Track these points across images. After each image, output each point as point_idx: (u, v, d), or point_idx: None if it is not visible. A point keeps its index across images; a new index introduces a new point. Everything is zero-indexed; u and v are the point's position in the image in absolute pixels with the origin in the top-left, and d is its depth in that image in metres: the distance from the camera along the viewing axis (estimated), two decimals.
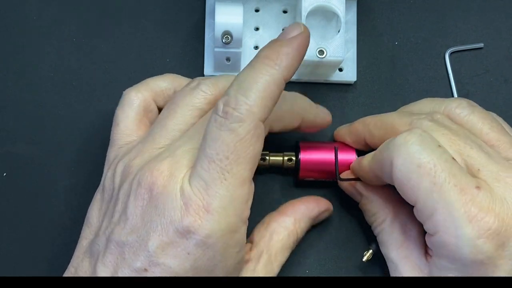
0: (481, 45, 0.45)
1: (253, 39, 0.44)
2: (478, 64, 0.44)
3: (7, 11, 0.44)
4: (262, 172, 0.42)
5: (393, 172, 0.33)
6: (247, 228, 0.33)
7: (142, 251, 0.31)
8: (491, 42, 0.45)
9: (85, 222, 0.35)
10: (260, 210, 0.39)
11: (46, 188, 0.41)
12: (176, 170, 0.32)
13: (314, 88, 0.44)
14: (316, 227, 0.41)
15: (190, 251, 0.31)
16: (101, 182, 0.36)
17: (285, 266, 0.38)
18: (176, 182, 0.31)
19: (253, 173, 0.32)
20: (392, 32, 0.45)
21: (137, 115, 0.37)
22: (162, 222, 0.31)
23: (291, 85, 0.43)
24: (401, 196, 0.34)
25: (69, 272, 0.34)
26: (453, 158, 0.33)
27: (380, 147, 0.35)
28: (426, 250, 0.36)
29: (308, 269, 0.41)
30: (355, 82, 0.44)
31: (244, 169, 0.31)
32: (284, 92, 0.37)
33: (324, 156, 0.40)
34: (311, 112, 0.38)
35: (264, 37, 0.44)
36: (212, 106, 0.35)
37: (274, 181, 0.42)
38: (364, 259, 0.38)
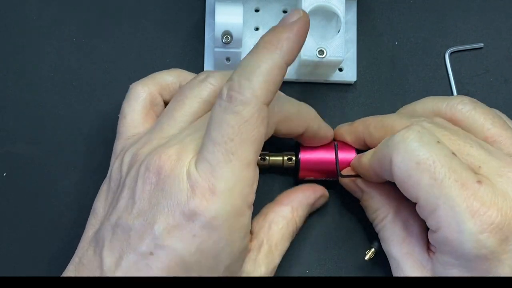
0: (481, 45, 0.45)
1: (253, 39, 0.44)
2: (478, 64, 0.44)
3: (7, 11, 0.44)
4: (262, 172, 0.41)
5: (393, 170, 0.33)
6: None
7: (148, 234, 0.31)
8: (491, 42, 0.45)
9: (91, 212, 0.35)
10: (261, 209, 0.39)
11: (46, 188, 0.41)
12: (183, 154, 0.32)
13: (314, 88, 0.44)
14: (316, 227, 0.41)
15: (195, 233, 0.31)
16: (108, 174, 0.36)
17: (285, 266, 0.38)
18: (183, 166, 0.31)
19: (257, 157, 0.32)
20: (392, 32, 0.45)
21: (144, 109, 0.37)
22: (168, 205, 0.31)
23: (291, 85, 0.43)
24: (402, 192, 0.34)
25: (73, 262, 0.34)
26: (453, 153, 0.33)
27: (379, 145, 0.35)
28: (428, 246, 0.36)
29: (308, 269, 0.41)
30: (355, 82, 0.44)
31: (249, 151, 0.31)
32: (293, 99, 0.37)
33: (324, 155, 0.40)
34: (315, 122, 0.38)
35: None
36: None
37: (274, 181, 0.42)
38: (366, 257, 0.38)
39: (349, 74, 0.44)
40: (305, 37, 0.33)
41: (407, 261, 0.36)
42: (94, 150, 0.42)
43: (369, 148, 0.38)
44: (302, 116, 0.38)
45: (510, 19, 0.45)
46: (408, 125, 0.35)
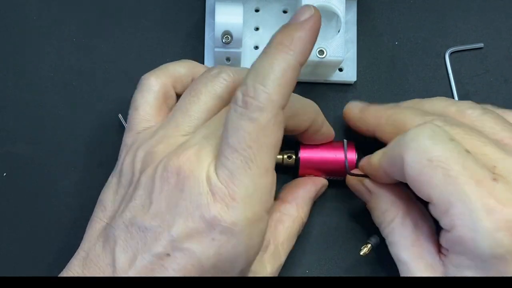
0: (481, 45, 0.45)
1: (253, 39, 0.44)
2: (478, 64, 0.44)
3: (7, 11, 0.44)
4: None
5: (405, 168, 0.32)
6: None
7: (165, 236, 0.30)
8: (491, 42, 0.45)
9: (97, 204, 0.35)
10: None
11: (46, 188, 0.41)
12: (202, 156, 0.31)
13: (314, 88, 0.44)
14: (316, 227, 0.41)
15: (214, 237, 0.30)
16: (118, 167, 0.35)
17: (285, 266, 0.38)
18: (203, 168, 0.31)
19: (275, 162, 0.32)
20: (392, 32, 0.45)
21: (157, 101, 0.36)
22: (188, 207, 0.30)
23: None
24: (411, 193, 0.34)
25: (79, 256, 0.33)
26: (466, 150, 0.32)
27: (390, 143, 0.35)
28: (439, 248, 0.34)
29: (308, 269, 0.41)
30: (355, 82, 0.44)
31: (267, 158, 0.31)
32: (298, 95, 0.37)
33: (323, 154, 0.40)
34: (320, 117, 0.38)
35: (264, 37, 0.44)
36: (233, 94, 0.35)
37: None
38: (362, 253, 0.38)
39: (349, 74, 0.44)
40: (318, 34, 0.32)
41: (417, 264, 0.34)
42: (94, 150, 0.42)
43: (370, 136, 0.38)
44: (308, 111, 0.37)
45: (510, 19, 0.45)
46: (421, 123, 0.34)
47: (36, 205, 0.41)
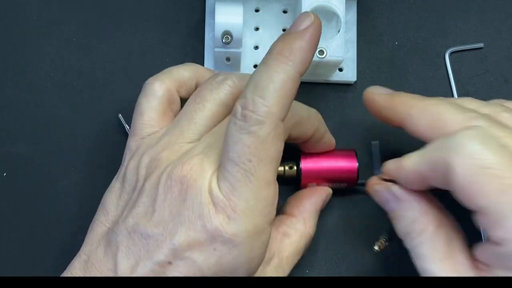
0: (481, 45, 0.45)
1: (253, 39, 0.44)
2: (478, 64, 0.44)
3: (7, 11, 0.44)
4: None
5: (452, 175, 0.30)
6: None
7: (167, 244, 0.31)
8: (491, 42, 0.45)
9: (100, 207, 0.35)
10: None
11: (46, 188, 0.41)
12: (206, 166, 0.31)
13: (314, 88, 0.44)
14: (316, 227, 0.41)
15: (216, 247, 0.30)
16: (121, 172, 0.35)
17: None
18: (206, 178, 0.31)
19: (276, 173, 0.31)
20: (392, 32, 0.45)
21: (162, 106, 0.36)
22: (190, 216, 0.30)
23: None
24: (443, 203, 0.32)
25: (80, 259, 0.33)
26: None
27: (431, 146, 0.33)
28: (473, 262, 0.33)
29: (308, 269, 0.41)
30: (355, 82, 0.44)
31: (267, 170, 0.31)
32: (302, 103, 0.36)
33: (325, 163, 0.39)
34: (322, 126, 0.38)
35: (264, 37, 0.44)
36: None
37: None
38: (376, 247, 0.37)
39: (349, 74, 0.44)
40: (318, 43, 0.31)
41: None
42: (94, 150, 0.42)
43: (394, 126, 0.36)
44: (311, 120, 0.37)
45: (510, 19, 0.45)
46: (463, 120, 0.32)
47: (36, 205, 0.41)
